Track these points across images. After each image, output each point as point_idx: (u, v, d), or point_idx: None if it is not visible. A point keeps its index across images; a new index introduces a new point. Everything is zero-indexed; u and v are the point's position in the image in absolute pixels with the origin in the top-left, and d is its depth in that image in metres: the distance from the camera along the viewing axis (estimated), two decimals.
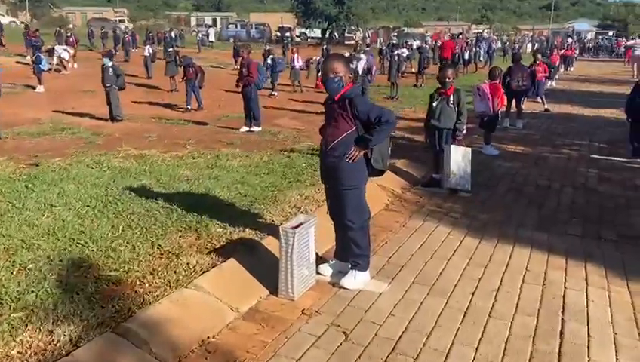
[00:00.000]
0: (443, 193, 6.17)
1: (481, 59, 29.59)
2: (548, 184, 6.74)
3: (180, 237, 4.23)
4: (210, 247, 4.05)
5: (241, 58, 10.28)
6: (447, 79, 6.06)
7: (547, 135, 10.19)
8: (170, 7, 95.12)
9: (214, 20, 75.14)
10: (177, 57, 17.22)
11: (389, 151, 3.89)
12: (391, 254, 4.35)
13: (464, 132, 6.27)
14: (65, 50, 22.56)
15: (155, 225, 4.47)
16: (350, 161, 3.57)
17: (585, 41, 52.35)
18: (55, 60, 22.03)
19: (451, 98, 6.07)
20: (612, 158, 8.24)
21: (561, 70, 24.72)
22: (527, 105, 13.62)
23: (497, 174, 7.19)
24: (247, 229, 4.38)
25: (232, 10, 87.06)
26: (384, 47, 26.69)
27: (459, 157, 6.08)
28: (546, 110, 13.15)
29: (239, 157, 7.44)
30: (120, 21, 57.13)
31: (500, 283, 3.85)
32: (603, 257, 4.42)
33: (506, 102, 11.04)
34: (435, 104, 6.22)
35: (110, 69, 11.35)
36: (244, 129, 10.26)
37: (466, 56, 26.12)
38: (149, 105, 15.14)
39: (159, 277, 3.52)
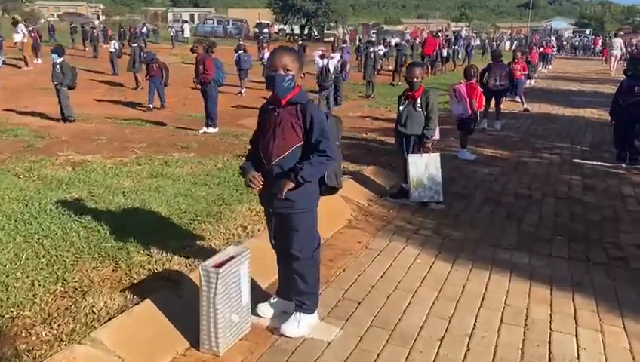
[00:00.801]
0: (413, 205, 5.54)
1: (459, 57, 29.13)
2: (528, 193, 6.16)
3: (93, 268, 3.51)
4: (127, 282, 3.35)
5: (196, 55, 9.55)
6: (414, 79, 5.41)
7: (527, 137, 9.65)
8: (148, 2, 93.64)
9: (192, 16, 74.04)
10: (141, 53, 16.39)
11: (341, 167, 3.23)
12: (348, 286, 3.69)
13: (435, 138, 5.64)
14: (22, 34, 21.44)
15: (69, 251, 3.75)
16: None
17: (563, 39, 52.47)
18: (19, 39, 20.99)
19: (419, 101, 5.42)
20: (595, 163, 7.71)
21: (540, 68, 24.37)
22: (506, 105, 13.10)
23: (474, 181, 6.59)
24: (176, 257, 3.68)
25: (210, 5, 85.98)
26: (361, 45, 26.04)
27: (421, 167, 5.44)
28: (526, 110, 12.65)
29: (190, 163, 6.72)
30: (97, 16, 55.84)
31: (474, 325, 3.21)
32: (593, 286, 3.82)
33: (484, 103, 10.56)
34: (401, 108, 5.58)
35: (58, 66, 10.50)
36: (204, 130, 9.53)
37: (444, 54, 25.63)
38: (110, 104, 14.31)
39: (52, 327, 2.81)
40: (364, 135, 9.41)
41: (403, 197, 5.65)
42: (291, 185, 2.87)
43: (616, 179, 6.92)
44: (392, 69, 21.11)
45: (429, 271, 3.95)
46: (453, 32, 41.26)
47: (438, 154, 5.56)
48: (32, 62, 21.64)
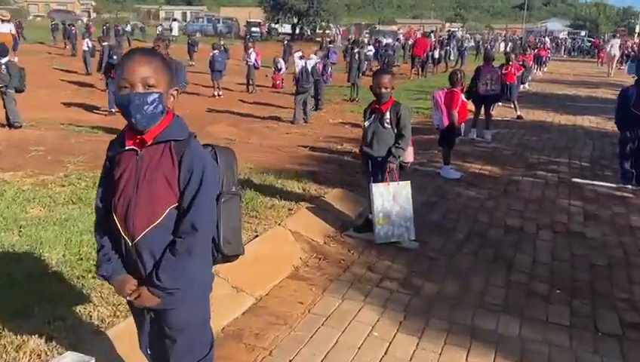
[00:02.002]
0: (381, 241, 4.54)
1: (452, 58, 28.19)
2: (520, 224, 5.17)
3: None
4: None
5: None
6: (382, 89, 4.42)
7: (520, 150, 8.67)
8: (141, 0, 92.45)
9: (184, 14, 73.06)
10: (110, 53, 15.30)
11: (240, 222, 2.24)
12: None
13: (408, 161, 4.65)
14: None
15: None
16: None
17: (558, 40, 51.64)
18: None
19: (387, 115, 4.44)
20: (597, 183, 6.74)
21: (535, 70, 23.46)
22: (498, 112, 12.14)
23: (456, 208, 5.60)
24: (33, 340, 2.66)
25: (203, 4, 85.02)
26: (348, 45, 25.03)
27: (388, 199, 4.44)
28: (519, 117, 11.68)
29: None
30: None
31: None
32: None
33: (474, 110, 9.59)
34: (367, 124, 4.59)
35: (4, 67, 9.42)
36: None
37: (436, 55, 24.68)
38: (74, 107, 13.25)
39: None
40: (339, 146, 8.42)
41: (369, 231, 4.65)
42: (157, 300, 1.90)
43: (622, 205, 5.95)
44: None
45: (386, 353, 2.96)
46: (448, 32, 40.38)
47: (409, 182, 4.54)
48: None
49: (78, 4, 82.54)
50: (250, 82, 16.86)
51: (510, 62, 10.96)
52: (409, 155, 4.62)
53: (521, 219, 5.34)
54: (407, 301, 3.58)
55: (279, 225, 4.52)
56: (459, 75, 6.62)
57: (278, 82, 17.94)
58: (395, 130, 4.45)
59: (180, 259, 1.90)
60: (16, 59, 21.11)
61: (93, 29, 33.00)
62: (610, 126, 9.48)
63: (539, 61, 24.52)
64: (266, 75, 19.58)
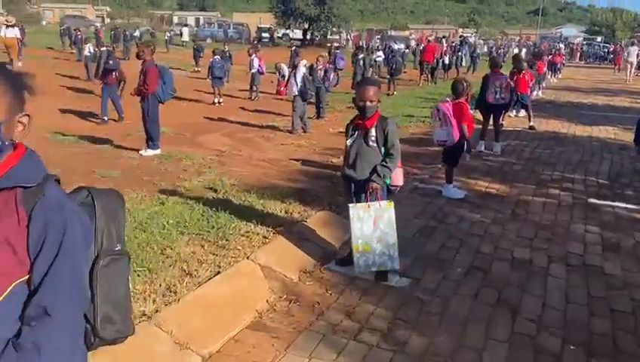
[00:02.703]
0: (365, 279, 3.93)
1: (463, 64, 27.48)
2: (529, 256, 4.53)
3: None
4: None
5: (142, 61, 7.96)
6: (367, 102, 3.81)
7: (531, 164, 8.00)
8: (156, 6, 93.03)
9: (197, 20, 73.27)
10: (108, 59, 14.87)
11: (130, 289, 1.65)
12: None
13: (397, 185, 4.04)
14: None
15: None
16: None
17: (572, 46, 50.59)
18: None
19: (373, 132, 3.83)
20: (617, 205, 6.06)
21: (549, 77, 22.69)
22: (509, 122, 11.48)
23: (457, 235, 4.96)
24: None
25: (216, 10, 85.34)
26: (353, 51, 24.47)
27: (368, 224, 3.81)
28: (531, 127, 10.99)
29: None
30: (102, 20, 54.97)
31: None
32: None
33: (483, 121, 8.94)
34: (349, 142, 3.98)
35: None
36: (142, 152, 7.96)
37: (447, 61, 24.01)
38: (67, 114, 12.75)
39: None
40: (334, 159, 7.80)
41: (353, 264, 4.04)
42: None
43: None
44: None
45: None
46: (460, 38, 39.62)
47: (392, 203, 3.89)
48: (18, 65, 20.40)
49: (92, 10, 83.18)
50: (254, 89, 16.35)
51: (523, 70, 10.29)
52: (398, 178, 4.00)
53: (530, 249, 4.69)
54: (388, 360, 2.96)
55: (248, 257, 3.92)
56: (464, 85, 5.97)
57: (281, 89, 17.40)
58: (382, 149, 3.84)
59: (23, 356, 1.32)
60: (20, 64, 21.02)
61: (102, 35, 32.87)
62: (629, 137, 8.80)
63: (553, 68, 23.74)
64: (272, 82, 19.11)
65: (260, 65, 15.19)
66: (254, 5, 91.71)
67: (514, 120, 11.79)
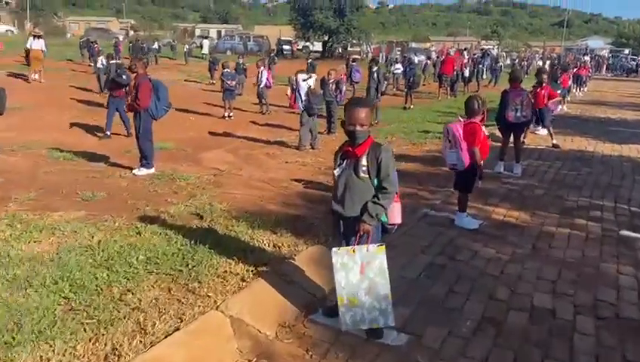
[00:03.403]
0: (354, 335, 3.32)
1: (484, 76, 26.72)
2: (552, 305, 3.87)
3: None
4: None
5: (134, 75, 7.52)
6: (357, 126, 3.24)
7: (554, 188, 7.31)
8: (180, 19, 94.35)
9: (219, 32, 73.87)
10: (117, 71, 14.59)
11: None
12: None
13: (394, 223, 3.43)
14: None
15: None
16: None
17: (599, 58, 49.31)
18: None
19: (364, 161, 3.25)
20: None
21: (574, 90, 21.83)
22: (531, 139, 10.78)
23: (468, 276, 4.32)
24: None
25: (238, 22, 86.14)
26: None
27: (354, 272, 3.20)
28: (555, 146, 10.27)
29: (63, 231, 4.70)
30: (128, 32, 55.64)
31: None
32: None
33: (503, 139, 8.29)
34: (337, 172, 3.40)
35: None
36: (135, 171, 7.49)
37: (467, 74, 23.29)
38: (74, 128, 12.44)
39: None
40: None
41: None
42: None
43: None
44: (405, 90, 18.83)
45: None
46: (482, 50, 38.88)
47: (384, 247, 3.27)
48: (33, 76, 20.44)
49: (117, 22, 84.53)
50: (263, 102, 15.90)
51: (542, 84, 9.62)
52: (395, 215, 3.39)
53: (552, 295, 4.03)
54: None
55: (218, 307, 3.36)
56: (478, 102, 5.33)
57: (294, 102, 16.91)
58: (375, 181, 3.25)
59: None
60: (35, 76, 20.95)
61: (122, 47, 33.01)
62: None
63: (578, 81, 22.86)
64: (286, 94, 18.69)
65: (267, 79, 14.72)
66: (276, 18, 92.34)
67: (536, 138, 11.07)
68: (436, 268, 4.44)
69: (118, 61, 16.07)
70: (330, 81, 12.29)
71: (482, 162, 5.41)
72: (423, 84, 26.10)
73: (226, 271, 3.93)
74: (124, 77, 11.69)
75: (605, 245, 5.16)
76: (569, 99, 18.51)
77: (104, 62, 18.85)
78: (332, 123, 12.20)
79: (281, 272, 3.93)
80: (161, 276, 3.85)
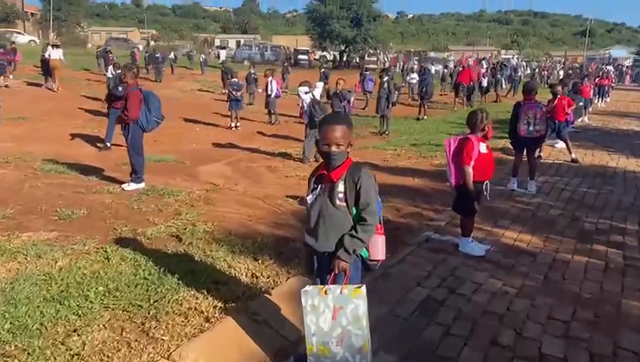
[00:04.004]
0: None
1: (503, 86, 26.07)
2: (563, 354, 3.32)
3: None
4: None
5: (126, 85, 7.17)
6: (331, 147, 2.77)
7: (571, 208, 6.74)
8: (201, 29, 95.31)
9: (238, 42, 74.37)
10: (116, 82, 14.35)
11: None
12: None
13: (377, 259, 2.94)
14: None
15: None
16: None
17: (622, 68, 48.12)
18: None
19: (340, 187, 2.78)
20: None
21: (596, 101, 21.09)
22: (548, 153, 10.20)
23: (469, 314, 3.80)
24: None
25: (257, 32, 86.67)
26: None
27: (324, 317, 2.69)
28: (574, 161, 9.67)
29: (26, 255, 4.31)
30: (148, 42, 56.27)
31: None
32: None
33: (515, 156, 7.75)
34: (310, 198, 2.93)
35: None
36: (124, 186, 7.11)
37: (484, 83, 22.70)
38: (76, 139, 12.22)
39: None
40: None
41: None
42: None
43: None
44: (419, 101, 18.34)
45: None
46: (498, 62, 38.19)
47: (363, 288, 2.75)
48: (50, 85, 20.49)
49: (138, 33, 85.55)
50: (272, 112, 15.54)
51: (557, 95, 9.07)
52: (378, 250, 2.90)
53: (565, 340, 3.49)
54: None
55: (170, 356, 2.90)
56: (480, 116, 4.82)
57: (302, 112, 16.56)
58: (354, 211, 2.78)
59: None
60: (52, 85, 20.98)
61: (138, 57, 33.12)
62: None
63: (601, 91, 22.11)
64: (298, 104, 18.38)
65: (277, 89, 14.34)
66: (295, 28, 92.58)
67: (554, 152, 10.48)
68: (433, 305, 3.93)
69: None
70: (338, 91, 11.86)
71: (483, 183, 4.89)
72: (440, 94, 25.61)
73: (190, 308, 3.48)
74: (119, 88, 11.41)
75: (628, 277, 4.59)
76: (590, 110, 17.82)
77: (113, 72, 18.75)
78: None
79: (252, 310, 3.47)
80: (116, 312, 3.41)
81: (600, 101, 22.15)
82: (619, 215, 6.50)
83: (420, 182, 8.02)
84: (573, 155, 9.72)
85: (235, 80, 14.25)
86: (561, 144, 10.63)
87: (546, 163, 9.52)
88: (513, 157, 7.95)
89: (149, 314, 3.39)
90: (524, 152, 7.56)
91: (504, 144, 10.53)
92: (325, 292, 2.73)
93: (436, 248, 5.13)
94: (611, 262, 4.93)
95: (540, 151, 9.43)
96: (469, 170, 4.69)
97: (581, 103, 14.28)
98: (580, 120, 14.74)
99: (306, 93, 10.02)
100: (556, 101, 8.97)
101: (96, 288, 3.72)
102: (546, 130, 7.33)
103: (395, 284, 4.19)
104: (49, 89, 20.36)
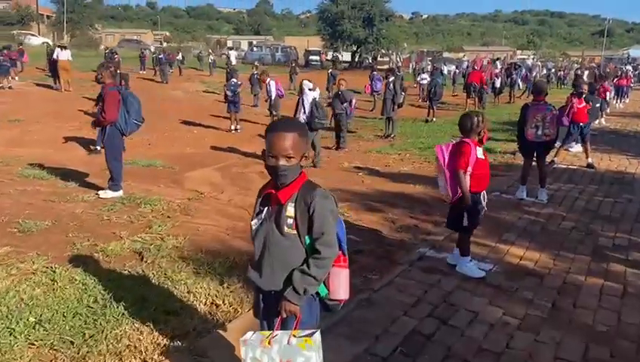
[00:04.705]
0: None
1: (520, 87, 25.29)
2: None
3: None
4: None
5: (102, 85, 6.69)
6: (279, 160, 2.23)
7: (585, 220, 6.11)
8: (215, 30, 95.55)
9: (250, 43, 74.28)
10: (122, 83, 14.00)
11: None
12: None
13: (338, 299, 2.38)
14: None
15: None
16: None
17: None
18: None
19: (290, 211, 2.23)
20: None
21: (614, 102, 20.26)
22: (563, 157, 9.54)
23: (460, 352, 3.23)
24: None
25: (270, 33, 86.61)
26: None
27: None
28: (589, 166, 9.00)
29: None
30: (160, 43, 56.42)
31: None
32: None
33: (524, 162, 7.14)
34: (254, 224, 2.40)
35: None
36: (100, 193, 6.63)
37: (497, 84, 21.96)
38: (69, 142, 11.79)
39: None
40: None
41: None
42: None
43: None
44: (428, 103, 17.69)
45: None
46: (511, 64, 37.35)
47: (317, 336, 2.20)
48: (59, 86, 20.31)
49: (151, 34, 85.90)
50: (274, 113, 15.01)
51: (583, 95, 8.45)
52: (340, 287, 2.34)
53: None
54: None
55: None
56: (475, 120, 4.24)
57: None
58: (307, 240, 2.23)
59: None
60: (58, 85, 20.75)
61: (147, 58, 32.86)
62: None
63: (619, 92, 21.26)
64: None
65: (278, 89, 13.80)
66: (308, 29, 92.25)
67: (568, 156, 9.82)
68: (419, 339, 3.37)
69: (123, 72, 15.49)
70: (340, 92, 11.34)
71: (480, 193, 4.32)
72: (453, 95, 24.90)
73: (129, 346, 2.97)
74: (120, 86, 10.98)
75: None
76: (608, 111, 17.05)
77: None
78: (341, 137, 11.20)
79: (199, 350, 2.93)
80: (41, 350, 2.91)
81: (619, 102, 21.31)
82: (638, 227, 5.86)
83: (420, 189, 7.45)
84: (590, 160, 9.05)
85: (234, 80, 13.74)
86: (576, 148, 9.97)
87: (559, 168, 8.88)
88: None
89: (78, 353, 2.88)
90: (534, 158, 6.95)
91: (515, 148, 9.90)
92: (269, 343, 2.19)
93: (430, 268, 4.56)
94: (630, 286, 4.32)
95: (554, 156, 8.82)
96: (465, 175, 4.12)
97: (597, 105, 13.57)
98: (596, 122, 14.02)
99: (310, 89, 9.47)
100: (577, 101, 8.36)
101: (27, 318, 3.22)
102: (556, 133, 6.69)
103: (377, 314, 3.63)
104: (57, 90, 20.21)
